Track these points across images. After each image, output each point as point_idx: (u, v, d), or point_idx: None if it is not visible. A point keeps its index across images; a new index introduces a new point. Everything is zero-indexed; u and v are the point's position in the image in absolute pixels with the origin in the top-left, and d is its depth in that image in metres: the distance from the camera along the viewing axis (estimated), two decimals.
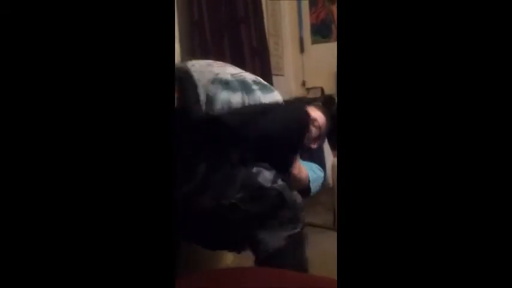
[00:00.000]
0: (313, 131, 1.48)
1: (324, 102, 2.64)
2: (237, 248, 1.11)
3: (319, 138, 1.54)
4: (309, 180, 1.33)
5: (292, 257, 0.97)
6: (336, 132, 2.21)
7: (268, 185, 0.95)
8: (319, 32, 2.84)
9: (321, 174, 1.47)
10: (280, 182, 0.97)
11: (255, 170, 0.97)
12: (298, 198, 1.03)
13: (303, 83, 2.82)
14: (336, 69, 2.82)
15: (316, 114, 1.52)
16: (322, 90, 2.77)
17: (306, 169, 1.31)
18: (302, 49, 2.88)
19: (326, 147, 2.09)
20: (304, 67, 2.87)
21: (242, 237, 1.00)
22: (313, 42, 2.86)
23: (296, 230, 0.98)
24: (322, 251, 2.04)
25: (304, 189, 1.31)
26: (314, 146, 1.54)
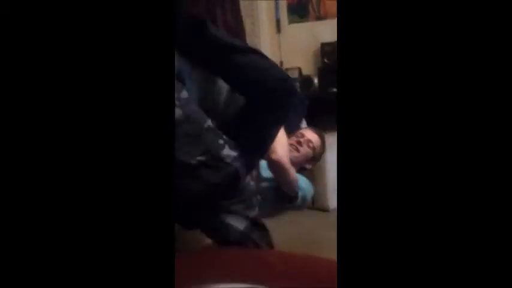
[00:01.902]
0: (308, 152, 1.49)
1: (302, 83, 2.63)
2: (196, 226, 1.09)
3: (314, 159, 1.55)
4: (298, 187, 1.34)
5: (252, 243, 0.97)
6: (314, 114, 2.21)
7: (229, 160, 0.95)
8: (296, 12, 2.81)
9: (310, 188, 1.48)
10: (240, 164, 0.97)
11: (221, 141, 0.96)
12: (253, 187, 1.03)
13: (281, 64, 2.79)
14: (314, 49, 2.82)
15: (312, 136, 1.53)
16: (300, 70, 2.75)
17: (295, 175, 1.33)
18: (279, 29, 2.86)
19: (303, 126, 2.09)
20: (281, 47, 2.85)
21: (208, 221, 1.00)
22: (290, 22, 2.83)
23: (251, 215, 0.99)
24: (306, 230, 2.05)
25: (291, 191, 1.32)
26: (309, 166, 1.55)
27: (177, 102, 0.91)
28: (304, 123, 1.92)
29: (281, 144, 1.27)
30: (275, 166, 1.28)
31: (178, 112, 0.90)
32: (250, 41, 2.70)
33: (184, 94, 0.94)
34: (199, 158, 0.92)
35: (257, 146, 1.05)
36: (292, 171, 1.30)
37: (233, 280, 0.75)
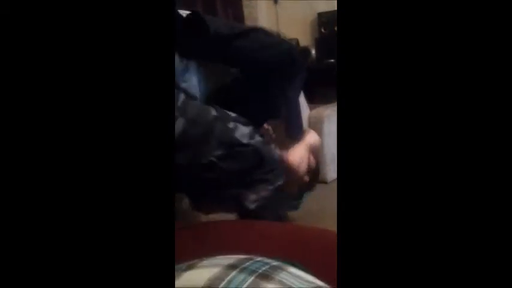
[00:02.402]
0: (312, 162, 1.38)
1: (300, 54, 2.60)
2: (218, 209, 1.10)
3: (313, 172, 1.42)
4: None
5: (273, 212, 0.98)
6: (311, 86, 2.20)
7: (245, 141, 0.94)
8: None
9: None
10: (257, 137, 0.96)
11: (231, 125, 0.95)
12: (276, 153, 1.02)
13: (278, 35, 2.76)
14: (310, 19, 2.78)
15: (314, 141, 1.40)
16: (297, 41, 2.72)
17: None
18: (276, 0, 2.81)
19: (302, 99, 2.09)
20: (278, 18, 2.81)
21: (220, 198, 1.00)
22: None
23: (275, 186, 0.98)
24: (304, 202, 2.07)
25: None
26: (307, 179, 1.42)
27: (176, 113, 0.90)
28: (302, 97, 1.92)
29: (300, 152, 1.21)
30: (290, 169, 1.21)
31: (179, 121, 0.89)
32: (248, 13, 2.66)
33: (181, 98, 0.93)
34: (215, 153, 0.91)
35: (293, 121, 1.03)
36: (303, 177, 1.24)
37: (234, 252, 0.76)
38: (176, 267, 0.44)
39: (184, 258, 0.55)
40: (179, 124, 0.88)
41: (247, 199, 0.95)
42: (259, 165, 0.95)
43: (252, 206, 0.94)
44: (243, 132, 0.93)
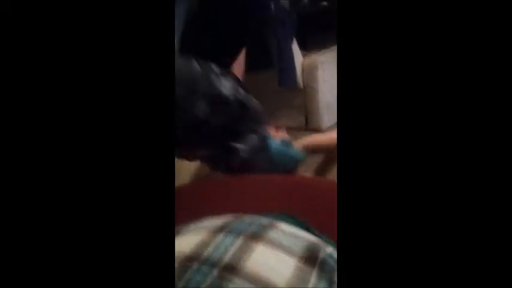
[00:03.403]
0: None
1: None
2: (207, 160, 1.09)
3: None
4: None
5: (262, 162, 0.97)
6: (304, 31, 2.13)
7: (229, 94, 0.91)
8: None
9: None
10: (240, 89, 0.94)
11: (214, 78, 0.92)
12: (259, 106, 1.00)
13: None
14: None
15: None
16: None
17: None
18: None
19: (295, 46, 2.02)
20: None
21: (208, 150, 0.99)
22: None
23: (261, 135, 0.97)
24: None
25: None
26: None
27: None
28: (295, 44, 1.85)
29: None
30: None
31: None
32: None
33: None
34: (203, 110, 0.89)
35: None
36: None
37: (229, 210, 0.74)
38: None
39: (183, 220, 0.54)
40: None
41: (238, 150, 0.94)
42: (245, 117, 0.94)
43: (245, 155, 0.93)
44: (226, 85, 0.91)
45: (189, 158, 1.07)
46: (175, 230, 0.43)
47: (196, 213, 0.58)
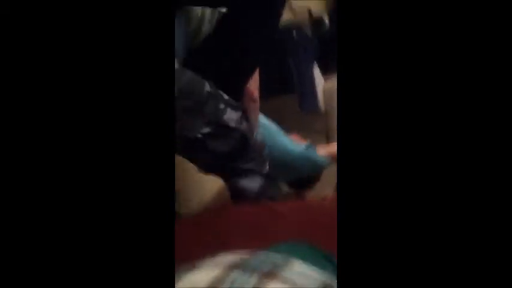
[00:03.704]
0: None
1: (312, 25, 2.53)
2: None
3: None
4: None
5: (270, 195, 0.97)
6: (327, 57, 2.15)
7: (233, 125, 0.92)
8: None
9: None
10: (245, 123, 0.94)
11: (222, 106, 0.93)
12: (262, 143, 1.00)
13: (290, 4, 2.69)
14: None
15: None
16: (309, 11, 2.65)
17: None
18: None
19: (316, 70, 2.04)
20: None
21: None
22: None
23: (263, 174, 0.97)
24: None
25: None
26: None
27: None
28: (316, 68, 1.87)
29: None
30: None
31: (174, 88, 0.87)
32: None
33: (176, 66, 0.90)
34: (203, 130, 0.89)
35: None
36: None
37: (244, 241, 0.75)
38: (178, 268, 0.43)
39: (195, 247, 0.54)
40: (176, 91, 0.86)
41: (248, 185, 0.93)
42: (244, 153, 0.93)
43: (256, 189, 0.93)
44: (231, 116, 0.92)
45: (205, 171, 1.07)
46: (191, 265, 0.44)
47: (200, 242, 0.58)
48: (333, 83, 2.24)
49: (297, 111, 1.99)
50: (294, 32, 1.79)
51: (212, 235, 0.77)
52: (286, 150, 1.12)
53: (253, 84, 1.12)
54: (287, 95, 2.06)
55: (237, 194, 0.95)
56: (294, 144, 1.18)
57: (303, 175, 1.21)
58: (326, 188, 1.26)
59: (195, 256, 0.47)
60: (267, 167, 0.98)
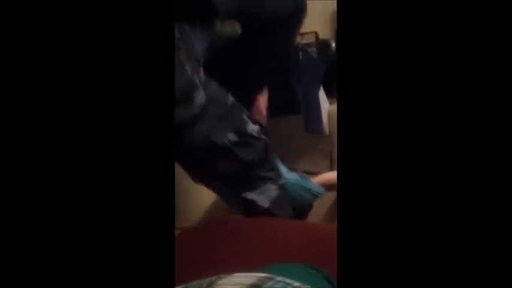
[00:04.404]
0: None
1: (319, 48, 2.56)
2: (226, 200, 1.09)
3: None
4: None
5: (278, 211, 0.97)
6: (333, 80, 2.16)
7: (257, 135, 0.93)
8: None
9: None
10: (263, 136, 0.96)
11: (245, 117, 0.95)
12: (276, 155, 1.02)
13: None
14: (330, 11, 2.73)
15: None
16: (316, 35, 2.67)
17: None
18: None
19: (321, 93, 2.05)
20: None
21: (229, 191, 0.99)
22: None
23: (278, 184, 0.98)
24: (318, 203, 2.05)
25: None
26: None
27: (198, 84, 0.88)
28: (322, 91, 1.89)
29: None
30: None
31: (201, 94, 0.88)
32: None
33: (202, 73, 0.92)
34: (230, 138, 0.91)
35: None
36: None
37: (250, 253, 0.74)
38: (196, 283, 0.43)
39: (199, 257, 0.53)
40: (201, 98, 0.87)
41: (259, 198, 0.94)
42: (265, 162, 0.95)
43: (267, 204, 0.93)
44: (252, 127, 0.93)
45: (207, 183, 1.07)
46: (209, 282, 0.44)
47: (217, 251, 0.57)
48: None
49: (301, 133, 1.99)
50: (301, 54, 1.81)
51: (208, 251, 0.77)
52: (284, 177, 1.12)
53: (262, 103, 1.14)
54: (292, 117, 2.06)
55: (249, 206, 0.96)
56: (289, 173, 1.19)
57: (297, 203, 1.21)
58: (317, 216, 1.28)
59: (191, 272, 0.47)
60: (282, 179, 0.99)
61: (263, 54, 1.04)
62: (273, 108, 1.27)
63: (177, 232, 0.88)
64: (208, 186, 1.04)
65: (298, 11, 1.08)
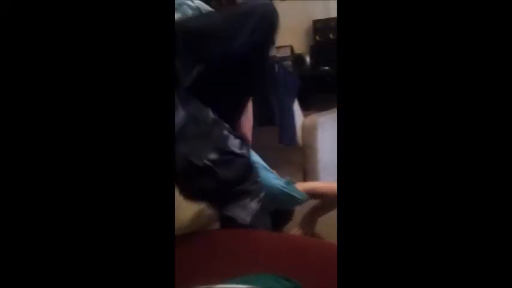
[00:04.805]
0: None
1: (294, 62, 2.60)
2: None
3: None
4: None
5: (259, 224, 0.97)
6: (307, 93, 2.19)
7: (238, 151, 0.93)
8: None
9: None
10: (245, 149, 0.96)
11: (225, 132, 0.94)
12: (256, 171, 1.02)
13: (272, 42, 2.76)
14: (305, 26, 2.79)
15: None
16: (291, 48, 2.72)
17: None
18: None
19: (296, 106, 2.09)
20: None
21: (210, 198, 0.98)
22: None
23: (260, 198, 0.97)
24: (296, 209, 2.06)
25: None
26: None
27: (177, 103, 0.87)
28: (296, 104, 1.91)
29: None
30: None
31: (181, 113, 0.87)
32: None
33: (182, 91, 0.91)
34: (210, 156, 0.90)
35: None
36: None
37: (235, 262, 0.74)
38: None
39: (187, 265, 0.52)
40: (179, 116, 0.86)
41: (240, 214, 0.93)
42: (247, 176, 0.95)
43: (248, 220, 0.93)
44: (234, 142, 0.93)
45: (192, 199, 1.06)
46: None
47: (205, 259, 0.56)
48: (312, 119, 2.29)
49: (276, 144, 2.01)
50: (276, 67, 1.84)
51: (187, 262, 0.76)
52: (270, 183, 1.13)
53: (248, 115, 1.15)
54: (268, 128, 2.09)
55: (228, 222, 0.94)
56: (276, 178, 1.20)
57: (282, 208, 1.23)
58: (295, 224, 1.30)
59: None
60: (263, 192, 0.98)
61: (243, 74, 1.04)
62: (256, 119, 1.29)
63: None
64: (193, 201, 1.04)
65: (269, 34, 1.08)
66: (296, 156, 2.13)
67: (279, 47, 2.63)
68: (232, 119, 1.04)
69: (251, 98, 1.14)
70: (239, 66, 1.00)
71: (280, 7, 2.78)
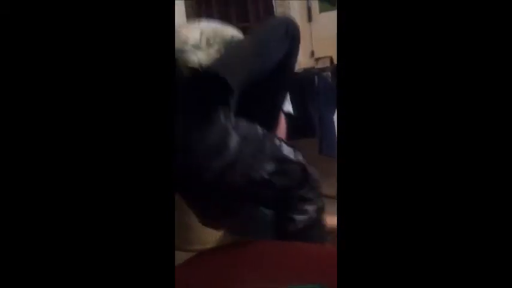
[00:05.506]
0: None
1: (334, 72, 2.60)
2: (265, 236, 1.07)
3: None
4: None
5: (315, 232, 0.97)
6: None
7: (293, 157, 0.94)
8: (327, 0, 2.77)
9: None
10: (299, 156, 0.96)
11: (277, 142, 0.95)
12: (316, 173, 1.01)
13: (312, 53, 2.77)
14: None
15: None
16: (331, 59, 2.72)
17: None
18: (310, 18, 2.82)
19: (335, 116, 2.08)
20: (312, 36, 2.81)
21: (270, 223, 0.98)
22: (321, 10, 2.80)
23: (318, 205, 0.97)
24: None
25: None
26: None
27: (230, 129, 0.89)
28: (335, 115, 1.91)
29: None
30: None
31: (235, 139, 0.88)
32: None
33: (233, 117, 0.93)
34: (269, 170, 0.91)
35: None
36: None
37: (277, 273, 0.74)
38: None
39: (215, 278, 0.52)
40: (234, 141, 0.88)
41: (295, 219, 0.93)
42: (305, 182, 0.94)
43: (301, 225, 0.92)
44: (288, 149, 0.93)
45: (216, 227, 1.07)
46: None
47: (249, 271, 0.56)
48: None
49: (315, 155, 2.01)
50: (316, 79, 1.85)
51: (225, 272, 0.77)
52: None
53: (281, 127, 1.15)
54: (306, 139, 2.09)
55: (287, 226, 0.94)
56: None
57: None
58: None
59: None
60: (321, 200, 0.97)
61: (274, 89, 1.06)
62: (290, 132, 1.29)
63: (193, 254, 0.89)
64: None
65: (293, 46, 1.09)
66: (333, 168, 2.11)
67: (318, 58, 2.64)
68: (270, 131, 1.05)
69: (282, 109, 1.15)
70: (269, 80, 1.02)
71: (320, 18, 2.80)
